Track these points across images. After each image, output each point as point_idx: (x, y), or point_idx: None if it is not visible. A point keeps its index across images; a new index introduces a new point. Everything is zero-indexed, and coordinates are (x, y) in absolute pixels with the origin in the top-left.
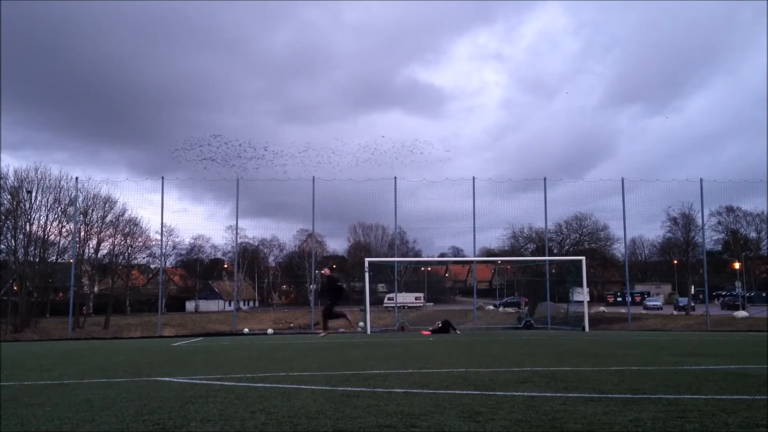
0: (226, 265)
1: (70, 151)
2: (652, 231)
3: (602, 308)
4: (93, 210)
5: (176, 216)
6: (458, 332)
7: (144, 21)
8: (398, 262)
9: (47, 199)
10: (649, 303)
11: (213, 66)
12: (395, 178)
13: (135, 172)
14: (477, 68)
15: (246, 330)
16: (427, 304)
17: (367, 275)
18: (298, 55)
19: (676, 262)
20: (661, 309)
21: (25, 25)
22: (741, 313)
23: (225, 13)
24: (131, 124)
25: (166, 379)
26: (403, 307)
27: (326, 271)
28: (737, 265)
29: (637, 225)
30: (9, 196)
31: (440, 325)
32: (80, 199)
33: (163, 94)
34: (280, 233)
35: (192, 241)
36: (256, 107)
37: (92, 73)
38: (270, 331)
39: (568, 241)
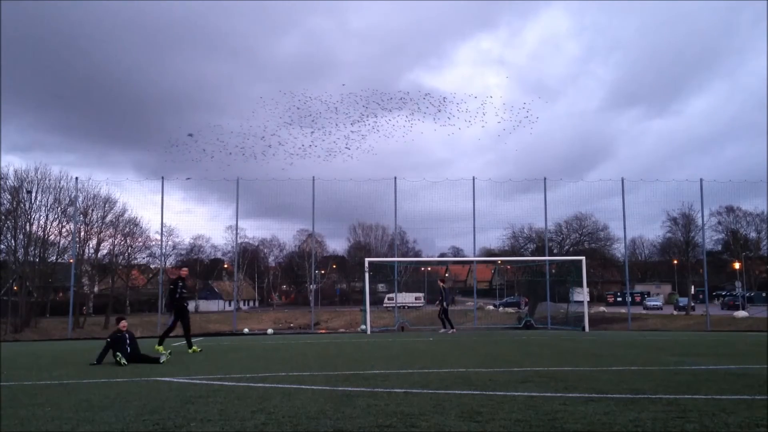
0: (226, 265)
1: (79, 154)
2: (652, 231)
3: (602, 308)
4: (93, 210)
5: (179, 217)
6: (453, 331)
7: (154, 28)
8: (398, 262)
9: (47, 199)
10: (649, 303)
11: (220, 71)
12: (395, 178)
13: (141, 174)
14: (480, 72)
15: (246, 330)
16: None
17: (367, 275)
18: (305, 60)
19: (676, 262)
20: (661, 309)
21: (36, 31)
22: (741, 313)
23: (233, 21)
24: (139, 127)
25: (166, 379)
26: (403, 307)
27: None
28: (737, 265)
29: (637, 225)
30: (9, 196)
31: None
32: (80, 199)
33: (170, 98)
34: (280, 233)
35: (192, 241)
36: (261, 111)
37: (102, 77)
38: (270, 331)
39: (568, 241)
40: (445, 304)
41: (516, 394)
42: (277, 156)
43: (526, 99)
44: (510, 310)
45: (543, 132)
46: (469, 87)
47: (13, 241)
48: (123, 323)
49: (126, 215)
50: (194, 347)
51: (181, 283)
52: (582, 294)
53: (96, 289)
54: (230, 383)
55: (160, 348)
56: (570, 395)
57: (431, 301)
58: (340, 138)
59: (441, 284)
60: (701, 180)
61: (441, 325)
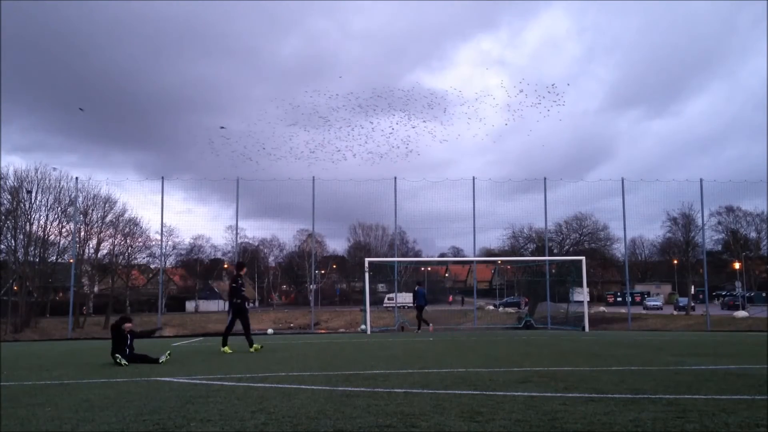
0: (226, 265)
1: (80, 154)
2: (652, 231)
3: (602, 308)
4: (93, 210)
5: (179, 217)
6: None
7: (154, 28)
8: (398, 262)
9: (47, 199)
10: (649, 303)
11: (221, 72)
12: (395, 178)
13: (142, 174)
14: (480, 73)
15: None
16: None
17: (367, 275)
18: (306, 62)
19: (676, 262)
20: (661, 309)
21: (37, 32)
22: (741, 313)
23: (233, 21)
24: (140, 127)
25: (166, 379)
26: (403, 307)
27: None
28: (737, 265)
29: (637, 225)
30: (9, 196)
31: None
32: (80, 199)
33: (171, 98)
34: (280, 233)
35: (192, 241)
36: (263, 113)
37: (103, 78)
38: (270, 331)
39: (568, 241)
40: (421, 304)
41: (516, 394)
42: (312, 156)
43: (526, 99)
44: (510, 310)
45: (543, 132)
46: (469, 87)
47: (13, 241)
48: (127, 325)
49: (126, 215)
50: (255, 345)
51: (240, 281)
52: (582, 294)
53: (96, 289)
54: (230, 383)
55: (226, 348)
56: (570, 395)
57: (431, 301)
58: (379, 139)
59: (417, 286)
60: (701, 180)
61: (429, 326)
